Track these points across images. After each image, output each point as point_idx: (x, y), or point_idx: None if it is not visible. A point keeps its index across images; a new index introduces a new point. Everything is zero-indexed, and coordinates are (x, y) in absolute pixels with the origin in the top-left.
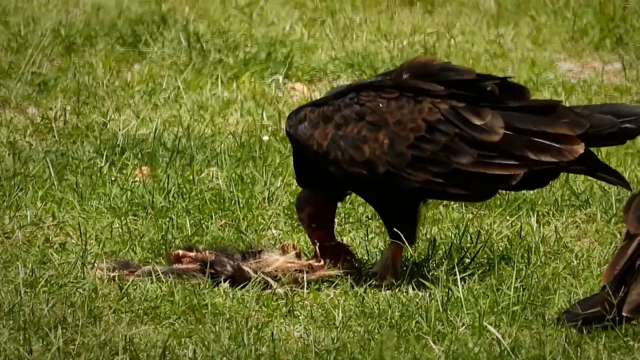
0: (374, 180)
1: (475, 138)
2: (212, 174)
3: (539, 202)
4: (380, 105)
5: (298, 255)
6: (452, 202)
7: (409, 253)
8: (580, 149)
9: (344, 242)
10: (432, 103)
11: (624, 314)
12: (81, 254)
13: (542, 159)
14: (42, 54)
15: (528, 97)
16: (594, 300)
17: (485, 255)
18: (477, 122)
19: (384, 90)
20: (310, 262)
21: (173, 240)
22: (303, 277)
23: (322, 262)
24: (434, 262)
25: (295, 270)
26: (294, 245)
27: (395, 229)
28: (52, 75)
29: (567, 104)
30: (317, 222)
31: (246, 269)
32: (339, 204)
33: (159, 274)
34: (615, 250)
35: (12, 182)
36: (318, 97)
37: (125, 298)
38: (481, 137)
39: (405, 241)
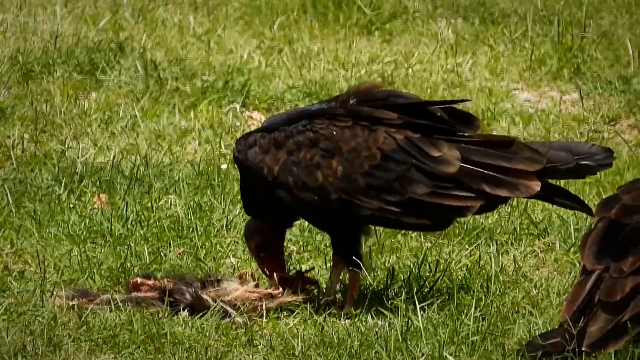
0: (325, 206)
1: (431, 169)
2: (170, 202)
3: (498, 231)
4: (334, 132)
5: (256, 285)
6: (410, 232)
7: (367, 281)
8: (536, 186)
9: (303, 270)
10: (387, 132)
11: (583, 348)
12: (40, 281)
13: (498, 193)
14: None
15: (478, 125)
16: (555, 332)
17: (444, 284)
18: (434, 153)
19: (338, 118)
20: (270, 290)
21: (132, 268)
22: (262, 306)
23: (280, 290)
24: (392, 291)
25: (255, 299)
26: (252, 274)
27: (350, 255)
28: (10, 102)
29: (525, 134)
30: (266, 250)
31: (205, 297)
32: (297, 232)
33: (117, 303)
34: (573, 284)
35: None
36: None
37: (85, 327)
38: (437, 168)
39: (361, 266)
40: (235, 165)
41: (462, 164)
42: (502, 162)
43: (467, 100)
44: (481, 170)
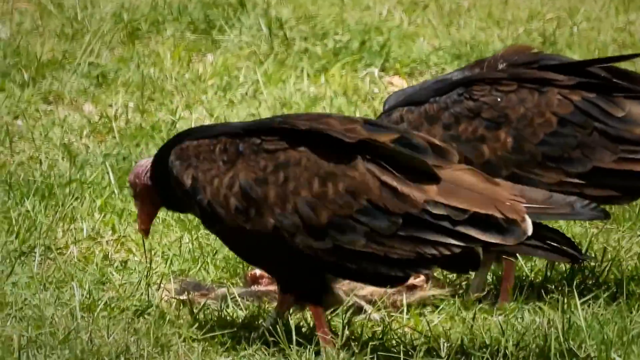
0: None
1: (617, 131)
2: None
3: None
4: (498, 99)
5: None
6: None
7: (524, 272)
8: None
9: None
10: (561, 94)
11: None
12: (145, 273)
13: None
14: (101, 41)
15: None
16: None
17: (612, 276)
18: (618, 113)
19: (500, 82)
20: (411, 281)
21: None
22: (402, 300)
23: (423, 279)
24: (552, 284)
25: (393, 292)
26: None
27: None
28: (113, 66)
29: None
30: None
31: (337, 291)
32: None
33: (235, 297)
34: None
35: (67, 190)
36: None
37: (197, 324)
38: (624, 130)
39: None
40: None
41: None
42: None
43: (638, 55)
44: None
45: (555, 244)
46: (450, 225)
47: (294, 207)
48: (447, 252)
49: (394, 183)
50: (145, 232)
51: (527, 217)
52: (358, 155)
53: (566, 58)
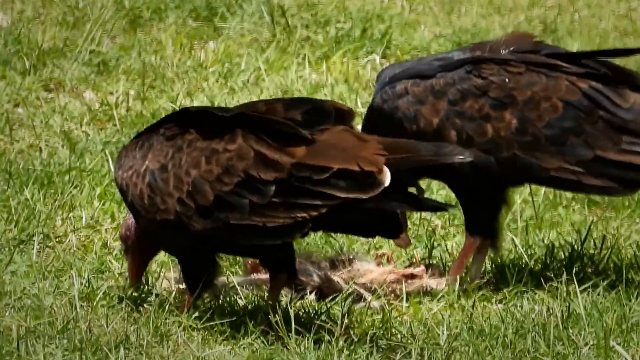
0: (489, 166)
1: (621, 122)
2: None
3: None
4: (506, 80)
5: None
6: (573, 202)
7: (523, 260)
8: None
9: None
10: (569, 80)
11: None
12: None
13: None
14: (102, 29)
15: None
16: None
17: (611, 264)
18: (623, 104)
19: (509, 63)
20: (411, 269)
21: None
22: (401, 288)
23: (423, 268)
24: (552, 272)
25: (393, 281)
26: (388, 257)
27: (479, 225)
28: (114, 54)
29: None
30: None
31: (336, 279)
32: None
33: (234, 286)
34: None
35: (66, 178)
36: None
37: (197, 313)
38: (629, 121)
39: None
40: (371, 119)
41: None
42: None
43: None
44: None
45: (420, 197)
46: (312, 185)
47: (188, 190)
48: (314, 213)
49: (264, 150)
50: (137, 284)
51: (385, 168)
52: (238, 128)
53: (563, 49)
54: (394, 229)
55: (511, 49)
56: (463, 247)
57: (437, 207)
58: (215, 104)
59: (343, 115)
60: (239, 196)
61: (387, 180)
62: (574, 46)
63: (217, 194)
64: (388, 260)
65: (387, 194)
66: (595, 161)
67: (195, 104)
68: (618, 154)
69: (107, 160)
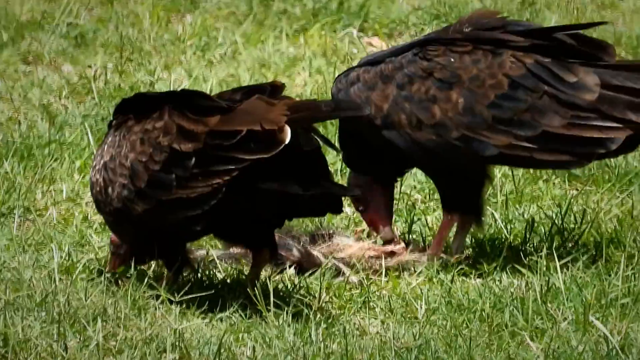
0: (444, 147)
1: (567, 97)
2: None
3: None
4: (452, 59)
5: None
6: (554, 177)
7: (502, 235)
8: None
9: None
10: (514, 56)
11: None
12: None
13: None
14: (79, 2)
15: (613, 54)
16: None
17: (591, 238)
18: (570, 78)
19: (455, 43)
20: (391, 247)
21: None
22: (380, 264)
23: (403, 246)
24: (531, 246)
25: (372, 256)
26: (368, 232)
27: (470, 208)
28: (91, 27)
29: None
30: (367, 206)
31: (315, 253)
32: (423, 179)
33: (213, 259)
34: None
35: (46, 151)
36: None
37: (175, 287)
38: (574, 96)
39: (482, 223)
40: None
41: (602, 90)
42: None
43: (604, 23)
44: (625, 96)
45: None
46: (224, 152)
47: (129, 174)
48: (227, 178)
49: (184, 123)
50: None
51: (286, 127)
52: (166, 106)
53: (534, 24)
54: (337, 205)
55: (475, 27)
56: (440, 225)
57: (342, 193)
58: (193, 77)
59: (275, 89)
60: (167, 172)
61: (287, 138)
62: (552, 20)
63: (150, 173)
64: (368, 236)
65: (293, 178)
66: (544, 136)
67: (173, 77)
68: (565, 128)
69: (87, 133)
